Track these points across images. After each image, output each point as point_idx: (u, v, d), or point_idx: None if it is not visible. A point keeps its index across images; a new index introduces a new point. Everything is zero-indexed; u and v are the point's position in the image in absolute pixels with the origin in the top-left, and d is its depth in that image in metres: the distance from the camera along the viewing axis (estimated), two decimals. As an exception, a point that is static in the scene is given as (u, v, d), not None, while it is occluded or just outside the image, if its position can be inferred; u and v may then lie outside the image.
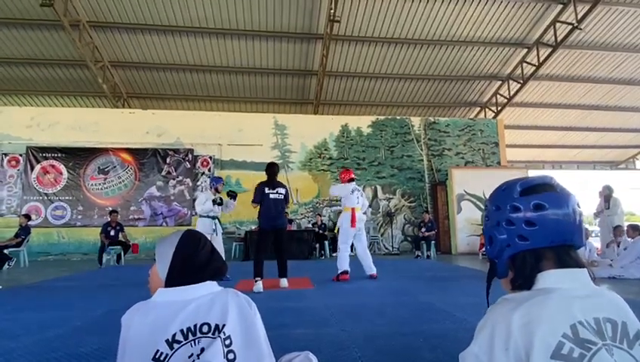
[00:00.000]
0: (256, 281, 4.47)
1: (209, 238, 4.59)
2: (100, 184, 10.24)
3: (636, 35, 10.72)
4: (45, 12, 8.75)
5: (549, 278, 0.82)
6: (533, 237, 0.84)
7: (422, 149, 11.74)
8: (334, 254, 9.85)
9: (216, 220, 5.89)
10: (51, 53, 10.23)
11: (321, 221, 10.33)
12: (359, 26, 10.00)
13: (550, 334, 0.72)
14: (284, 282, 4.72)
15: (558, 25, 9.98)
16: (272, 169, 5.02)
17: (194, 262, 1.10)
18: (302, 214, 10.80)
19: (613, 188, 7.46)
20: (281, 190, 4.89)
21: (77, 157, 10.24)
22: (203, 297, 1.05)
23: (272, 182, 4.93)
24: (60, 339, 2.54)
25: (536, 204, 0.85)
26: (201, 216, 5.82)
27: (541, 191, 0.87)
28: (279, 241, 4.85)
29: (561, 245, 0.85)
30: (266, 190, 4.81)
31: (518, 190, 0.90)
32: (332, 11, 8.80)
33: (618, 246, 6.35)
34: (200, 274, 1.10)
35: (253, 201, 4.89)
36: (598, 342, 0.71)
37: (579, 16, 9.36)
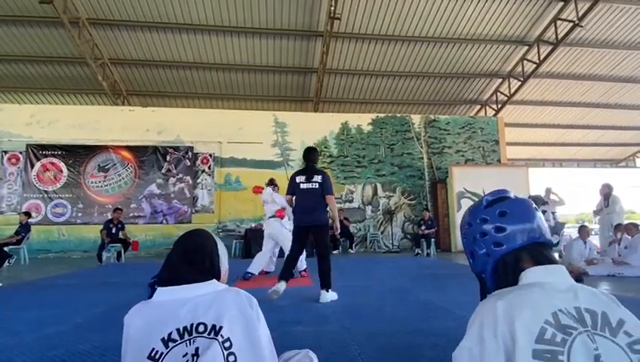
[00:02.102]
0: (279, 281, 3.76)
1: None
2: (100, 182, 10.24)
3: (637, 33, 10.68)
4: (45, 9, 8.72)
5: (531, 275, 0.90)
6: (506, 240, 0.96)
7: (422, 147, 11.73)
8: (334, 252, 9.87)
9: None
10: (51, 51, 10.21)
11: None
12: (359, 23, 9.98)
13: (533, 320, 0.77)
14: (323, 296, 3.69)
15: (559, 22, 9.96)
16: (307, 155, 4.17)
17: (171, 262, 1.12)
18: (302, 212, 10.80)
19: (612, 187, 7.46)
20: (316, 178, 4.00)
21: (77, 154, 10.24)
22: (202, 296, 1.05)
23: (307, 170, 4.11)
24: (61, 336, 2.55)
25: (500, 211, 0.99)
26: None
27: (502, 201, 1.02)
28: (317, 243, 4.02)
29: (532, 244, 0.95)
30: (298, 179, 4.05)
31: (483, 205, 1.04)
32: (332, 8, 8.78)
33: (619, 244, 6.35)
34: (176, 274, 1.09)
35: (286, 194, 4.18)
36: (579, 328, 0.76)
37: (580, 14, 9.34)
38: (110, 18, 9.44)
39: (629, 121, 15.05)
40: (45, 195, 9.99)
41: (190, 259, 1.12)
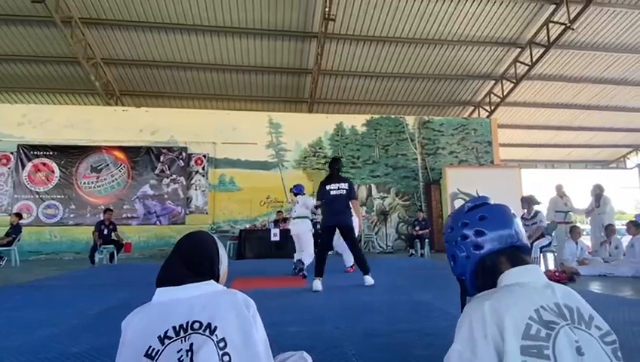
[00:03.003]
0: (315, 278, 4.33)
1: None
2: (92, 182, 10.15)
3: (627, 36, 10.84)
4: (37, 8, 8.65)
5: (510, 276, 0.95)
6: (485, 243, 1.01)
7: (416, 148, 11.79)
8: (329, 252, 9.87)
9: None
10: (43, 50, 10.11)
11: (316, 219, 10.32)
12: (354, 24, 10.01)
13: (519, 318, 0.82)
14: (367, 280, 4.51)
15: (550, 25, 10.07)
16: (333, 165, 4.90)
17: (172, 262, 1.13)
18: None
19: (603, 187, 7.54)
20: (343, 185, 4.68)
21: (69, 155, 10.14)
22: (199, 296, 1.06)
23: (334, 177, 4.79)
24: (53, 338, 2.52)
25: (480, 216, 1.05)
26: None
27: (482, 206, 1.08)
28: (349, 241, 4.76)
29: (510, 248, 1.01)
30: (327, 186, 4.71)
31: (464, 210, 1.10)
32: (327, 9, 8.80)
33: (609, 244, 6.43)
34: (175, 274, 1.10)
35: (317, 199, 4.94)
36: (560, 322, 0.82)
37: (571, 17, 9.45)
38: (103, 18, 9.37)
39: (619, 122, 15.24)
40: (37, 196, 9.88)
41: (191, 260, 1.13)
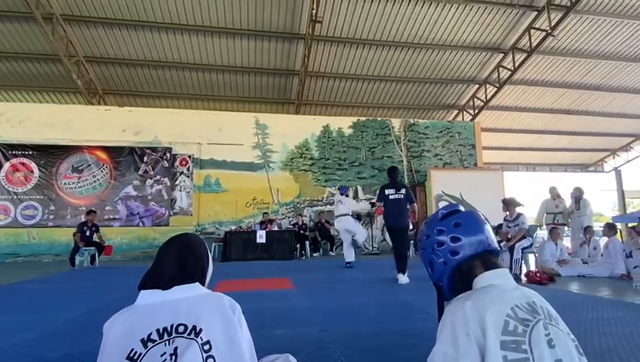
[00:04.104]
0: (398, 273, 4.96)
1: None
2: (73, 183, 9.91)
3: (605, 44, 11.18)
4: (16, 3, 8.43)
5: (484, 279, 1.01)
6: (461, 249, 1.06)
7: (402, 150, 11.90)
8: (315, 254, 9.88)
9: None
10: (23, 47, 9.84)
11: (302, 221, 10.32)
12: (341, 27, 10.05)
13: (498, 315, 0.87)
14: (400, 277, 4.91)
15: (532, 31, 10.32)
16: (392, 173, 5.55)
17: (163, 264, 1.12)
18: (283, 214, 10.76)
19: (583, 190, 7.73)
20: (402, 191, 5.26)
21: (49, 154, 9.88)
22: (185, 299, 1.05)
23: (393, 184, 5.37)
24: (30, 344, 2.45)
25: (455, 223, 1.09)
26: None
27: (455, 213, 1.13)
28: (401, 241, 5.30)
29: (483, 252, 1.06)
30: (387, 191, 5.29)
31: (439, 217, 1.15)
32: (314, 12, 8.82)
33: (588, 245, 6.61)
34: (165, 276, 1.09)
35: (377, 201, 5.52)
36: (533, 319, 0.87)
37: (552, 24, 9.70)
38: (86, 15, 9.17)
39: (597, 127, 15.70)
40: (15, 197, 9.59)
41: (183, 262, 1.13)
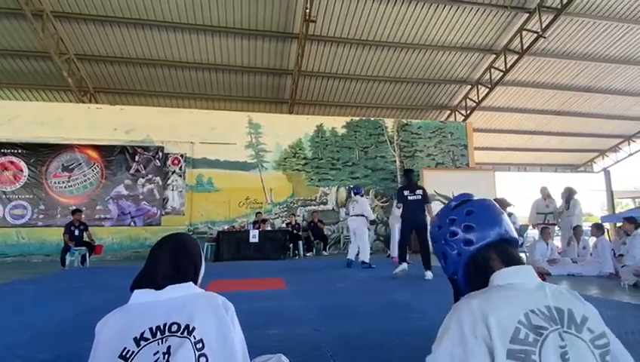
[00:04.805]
0: (400, 263, 5.44)
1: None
2: (63, 182, 9.79)
3: (594, 46, 11.34)
4: (5, 0, 8.28)
5: (502, 276, 0.93)
6: (475, 238, 1.00)
7: (395, 150, 11.95)
8: (308, 254, 9.89)
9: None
10: (12, 44, 9.68)
11: (295, 221, 10.31)
12: (335, 26, 10.06)
13: (508, 321, 0.80)
14: (428, 274, 5.28)
15: (524, 33, 10.42)
16: (408, 175, 6.02)
17: (156, 263, 1.12)
18: (276, 214, 10.75)
19: (574, 190, 7.82)
20: (419, 192, 5.65)
21: (39, 153, 9.74)
22: (178, 298, 1.05)
23: (410, 185, 5.77)
24: (20, 345, 2.42)
25: (467, 211, 1.04)
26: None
27: (467, 202, 1.08)
28: (421, 240, 5.57)
29: (500, 242, 0.99)
30: (405, 193, 5.66)
31: (451, 207, 1.10)
32: (307, 11, 8.81)
33: (578, 244, 6.71)
34: (158, 276, 1.09)
35: (397, 203, 5.88)
36: (549, 328, 0.80)
37: (543, 25, 9.81)
38: (77, 12, 9.06)
39: (587, 128, 15.91)
40: (3, 196, 9.44)
41: (177, 261, 1.13)
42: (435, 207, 6.28)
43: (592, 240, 6.40)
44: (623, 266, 5.13)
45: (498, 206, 1.07)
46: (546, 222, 7.82)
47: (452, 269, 1.05)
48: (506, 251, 0.98)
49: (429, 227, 5.66)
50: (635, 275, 4.72)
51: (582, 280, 5.31)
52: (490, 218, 1.02)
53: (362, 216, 6.93)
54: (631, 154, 17.77)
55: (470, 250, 0.99)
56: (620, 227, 6.76)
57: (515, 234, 1.03)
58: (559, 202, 8.04)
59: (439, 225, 1.09)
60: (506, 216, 1.04)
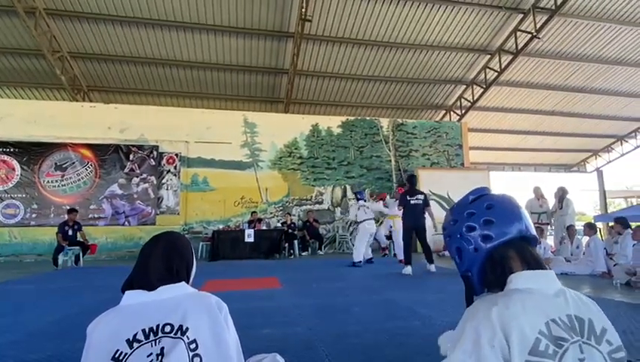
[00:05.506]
0: (406, 265, 5.74)
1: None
2: (57, 181, 9.70)
3: (588, 46, 11.43)
4: (-3, -3, 8.20)
5: (520, 279, 0.88)
6: (495, 233, 0.94)
7: (390, 150, 11.97)
8: (304, 253, 9.88)
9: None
10: (4, 41, 9.58)
11: (291, 220, 10.30)
12: (330, 26, 10.06)
13: (528, 330, 0.77)
14: (431, 267, 5.85)
15: (518, 33, 10.48)
16: (412, 180, 6.45)
17: (147, 263, 1.11)
18: (271, 213, 10.73)
19: (567, 190, 7.88)
20: (420, 196, 6.10)
21: (32, 152, 9.64)
22: (170, 299, 1.04)
23: (412, 190, 6.19)
24: (12, 346, 2.40)
25: (487, 205, 0.98)
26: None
27: (485, 196, 1.03)
28: (422, 238, 6.10)
29: (519, 239, 0.94)
30: (408, 197, 6.06)
31: (468, 200, 1.04)
32: (303, 10, 8.80)
33: (571, 243, 6.76)
34: (150, 276, 1.08)
35: (398, 206, 6.27)
36: (570, 339, 0.77)
37: (537, 26, 9.87)
38: (70, 9, 8.98)
39: (580, 128, 16.05)
40: (-5, 195, 9.35)
41: (169, 261, 1.12)
42: (432, 206, 6.48)
43: (585, 239, 6.46)
44: (615, 265, 5.18)
45: (517, 201, 1.02)
46: (540, 221, 7.88)
47: (466, 265, 0.99)
48: (526, 250, 0.93)
49: (429, 231, 6.26)
50: (627, 274, 4.76)
51: (575, 279, 5.35)
52: (511, 213, 0.96)
53: (373, 218, 7.28)
54: (623, 154, 17.96)
55: (488, 247, 0.94)
56: (612, 226, 6.82)
57: (534, 232, 0.98)
58: (552, 202, 8.10)
59: (455, 219, 1.03)
60: (525, 211, 0.99)
